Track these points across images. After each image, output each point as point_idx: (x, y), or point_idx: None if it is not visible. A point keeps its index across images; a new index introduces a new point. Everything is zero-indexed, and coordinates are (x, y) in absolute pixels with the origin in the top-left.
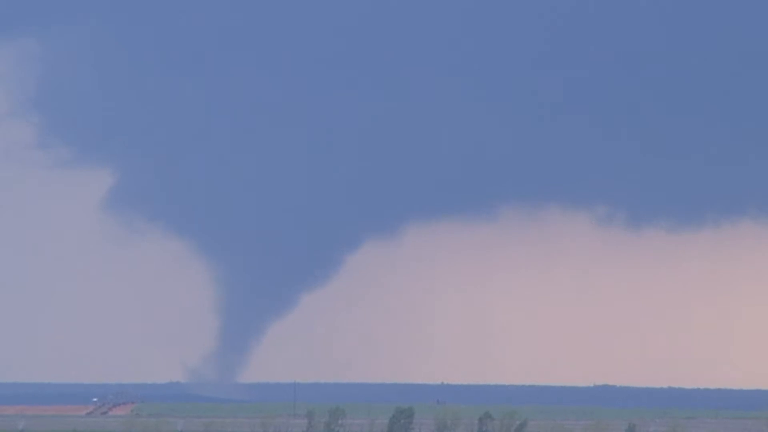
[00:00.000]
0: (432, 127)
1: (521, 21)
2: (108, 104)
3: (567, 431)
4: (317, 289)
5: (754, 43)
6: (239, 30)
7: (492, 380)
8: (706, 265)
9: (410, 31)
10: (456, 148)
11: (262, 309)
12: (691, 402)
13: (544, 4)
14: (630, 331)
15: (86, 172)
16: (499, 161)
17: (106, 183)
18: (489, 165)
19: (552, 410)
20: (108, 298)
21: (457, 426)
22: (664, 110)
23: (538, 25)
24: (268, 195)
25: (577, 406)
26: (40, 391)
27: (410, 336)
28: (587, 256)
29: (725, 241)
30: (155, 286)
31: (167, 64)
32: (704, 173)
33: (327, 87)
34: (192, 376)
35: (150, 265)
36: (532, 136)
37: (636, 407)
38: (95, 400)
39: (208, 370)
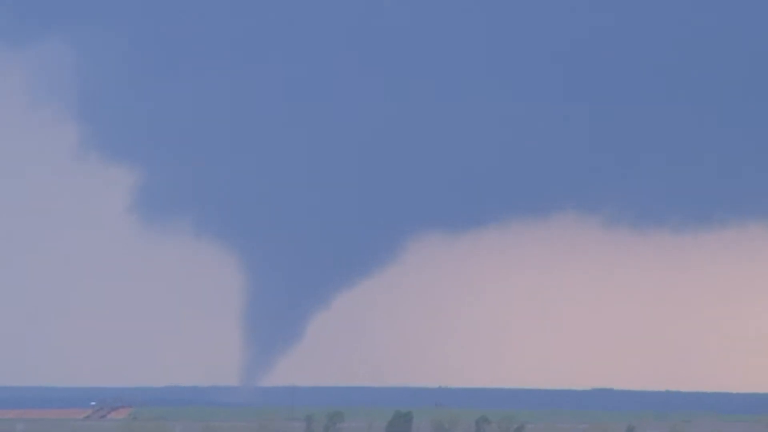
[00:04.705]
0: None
1: (532, 24)
2: (135, 105)
3: None
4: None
5: (761, 44)
6: (274, 27)
7: (491, 383)
8: (706, 268)
9: (446, 31)
10: (454, 156)
11: (288, 311)
12: (690, 405)
13: (555, 8)
14: (629, 334)
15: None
16: (501, 166)
17: (110, 186)
18: (492, 170)
19: (551, 413)
20: (107, 302)
21: (455, 429)
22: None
23: (546, 30)
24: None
25: (576, 409)
26: (38, 394)
27: (409, 339)
28: (587, 259)
29: (727, 245)
30: (155, 290)
31: (196, 65)
32: (711, 175)
33: (371, 89)
34: (242, 380)
35: (150, 269)
36: (536, 138)
37: (635, 410)
38: (93, 403)
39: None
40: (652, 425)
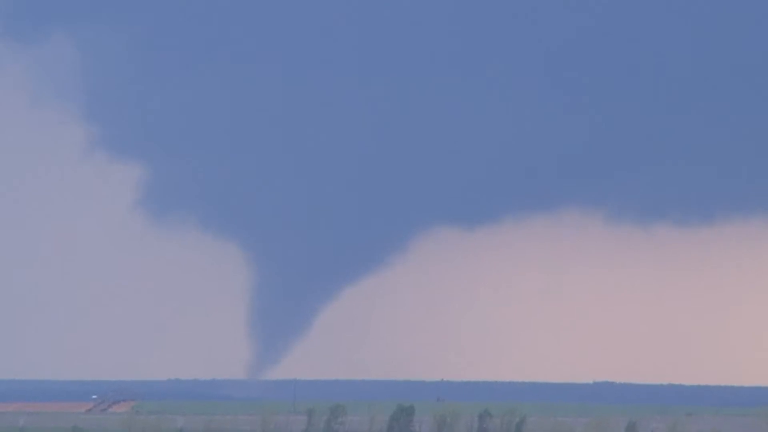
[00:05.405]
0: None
1: (536, 18)
2: (139, 102)
3: (567, 428)
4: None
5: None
6: (277, 24)
7: (492, 377)
8: (709, 263)
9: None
10: (457, 152)
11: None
12: (692, 399)
13: (556, 6)
14: (631, 327)
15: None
16: (504, 161)
17: (115, 182)
18: (495, 165)
19: (552, 407)
20: (111, 295)
21: (457, 423)
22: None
23: (550, 24)
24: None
25: (578, 403)
26: (40, 388)
27: (410, 333)
28: (589, 254)
29: (730, 239)
30: (159, 284)
31: (200, 63)
32: (714, 170)
33: (379, 82)
34: (246, 374)
35: (150, 263)
36: (540, 135)
37: (636, 404)
38: (95, 397)
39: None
40: (654, 419)
